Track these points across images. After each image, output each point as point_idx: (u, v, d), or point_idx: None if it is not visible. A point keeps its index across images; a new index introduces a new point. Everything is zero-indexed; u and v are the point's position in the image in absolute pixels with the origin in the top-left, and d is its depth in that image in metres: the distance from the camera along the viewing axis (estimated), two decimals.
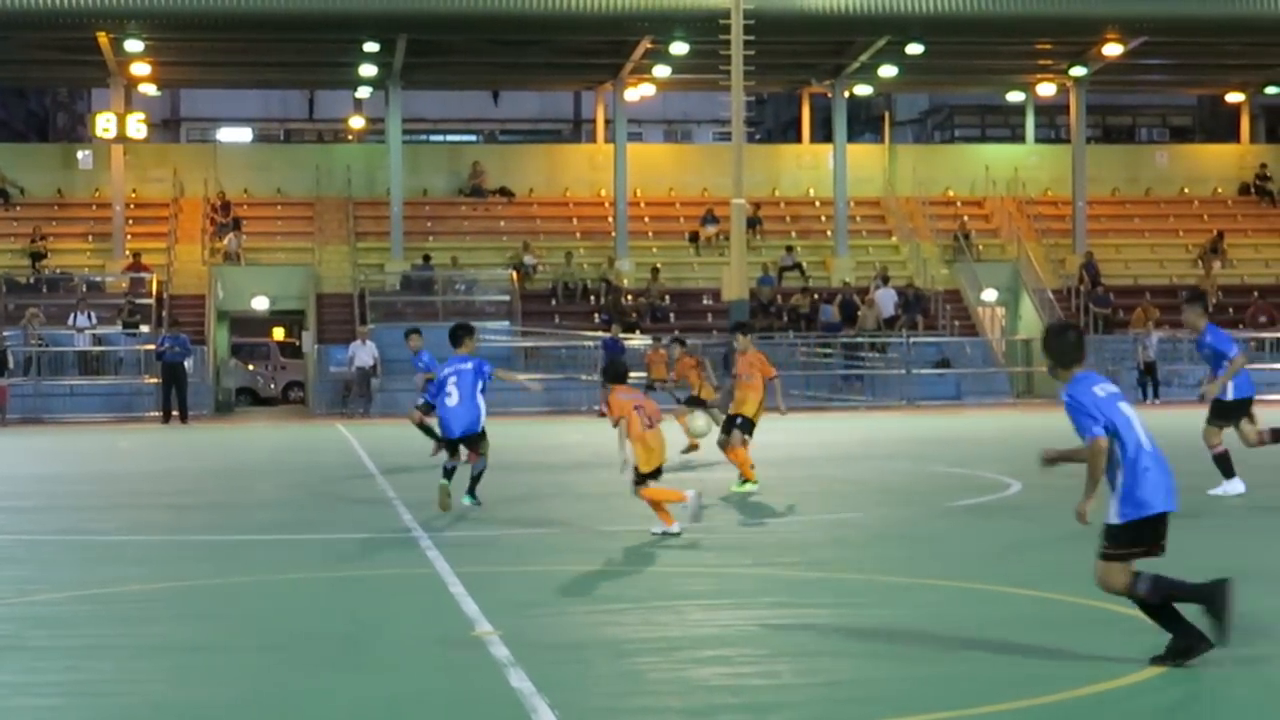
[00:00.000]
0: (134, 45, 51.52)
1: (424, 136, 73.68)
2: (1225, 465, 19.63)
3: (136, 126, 54.35)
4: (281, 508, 20.91)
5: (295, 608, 12.62)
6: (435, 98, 71.25)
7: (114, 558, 15.67)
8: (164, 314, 50.58)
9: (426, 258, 54.11)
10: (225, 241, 54.48)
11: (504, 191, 59.01)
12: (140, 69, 54.21)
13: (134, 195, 56.34)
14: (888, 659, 10.29)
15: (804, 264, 55.63)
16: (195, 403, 45.58)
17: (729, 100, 48.36)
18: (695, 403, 26.78)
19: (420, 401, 26.47)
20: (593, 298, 53.86)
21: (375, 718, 8.77)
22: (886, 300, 52.88)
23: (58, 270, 53.71)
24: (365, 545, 16.51)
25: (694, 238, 57.23)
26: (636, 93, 58.47)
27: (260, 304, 54.22)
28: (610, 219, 57.24)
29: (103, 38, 51.13)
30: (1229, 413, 19.54)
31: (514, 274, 53.70)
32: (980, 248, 57.71)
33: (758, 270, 53.51)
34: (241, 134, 77.98)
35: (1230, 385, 19.37)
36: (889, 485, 22.99)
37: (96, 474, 27.24)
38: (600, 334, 48.66)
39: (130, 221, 55.11)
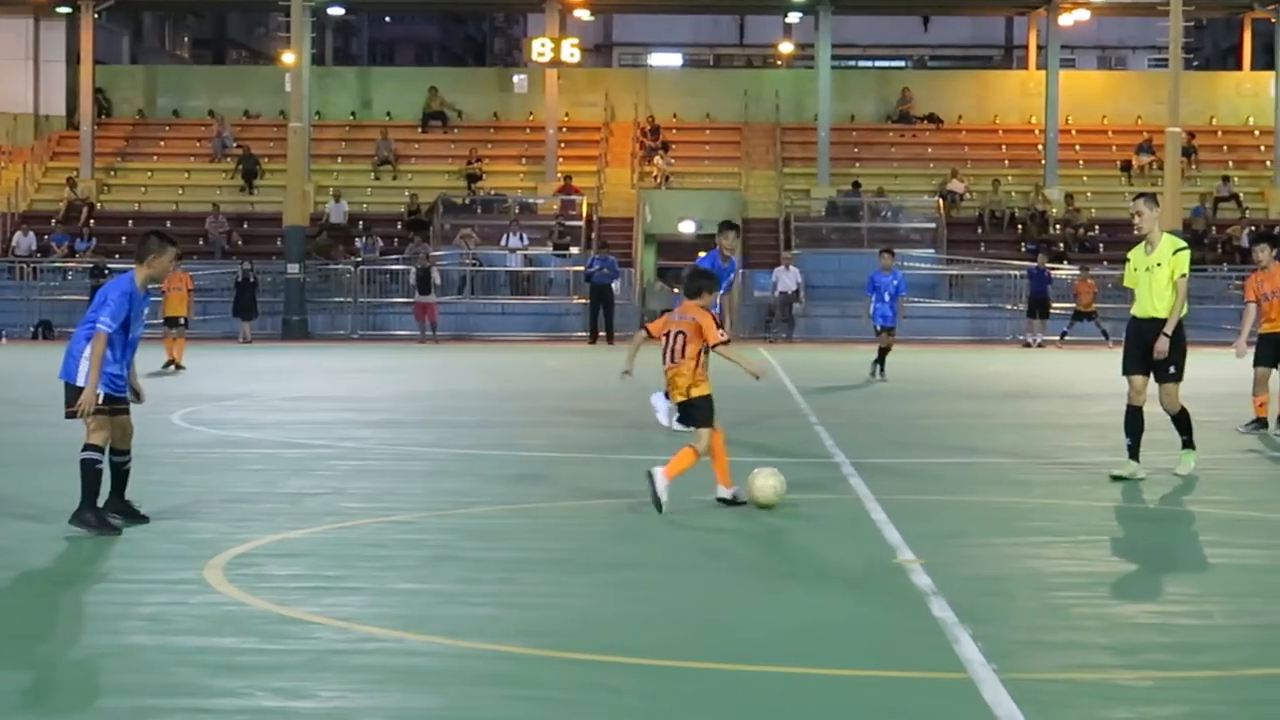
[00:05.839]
0: None
1: (853, 62, 73.33)
2: None
3: (570, 51, 55.20)
4: None
5: (718, 530, 12.70)
6: (865, 23, 70.85)
7: (539, 475, 15.98)
8: (593, 236, 51.50)
9: (856, 184, 53.94)
10: (654, 165, 55.13)
11: (932, 118, 58.47)
12: None
13: (566, 119, 57.33)
14: None
15: (1241, 195, 53.92)
16: (622, 324, 46.22)
17: (1166, 25, 47.12)
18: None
19: None
20: (1019, 227, 53.04)
21: (797, 641, 8.79)
22: None
23: (492, 191, 55.01)
24: (787, 470, 16.55)
25: (1126, 167, 55.86)
26: (1071, 18, 57.26)
27: (687, 227, 54.68)
28: (1040, 147, 56.24)
29: None
30: None
31: (940, 201, 53.22)
32: None
33: (1193, 200, 52.06)
34: (672, 59, 78.75)
35: None
36: None
37: (524, 391, 27.87)
38: (1026, 263, 47.93)
39: (562, 145, 56.12)
